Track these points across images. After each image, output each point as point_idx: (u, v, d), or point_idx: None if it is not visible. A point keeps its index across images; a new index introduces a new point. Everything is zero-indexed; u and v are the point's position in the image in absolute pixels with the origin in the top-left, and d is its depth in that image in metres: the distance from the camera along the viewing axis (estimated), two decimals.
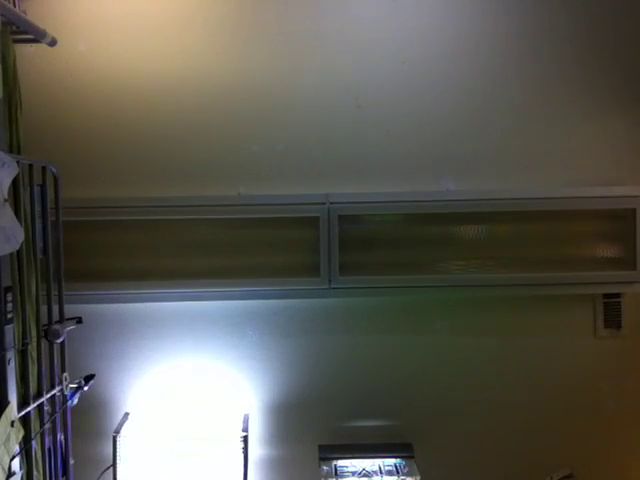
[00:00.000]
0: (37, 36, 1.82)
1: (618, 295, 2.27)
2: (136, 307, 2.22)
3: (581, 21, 2.25)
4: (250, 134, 2.22)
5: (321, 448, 2.19)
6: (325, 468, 2.10)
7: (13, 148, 1.67)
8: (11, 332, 1.56)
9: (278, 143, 2.23)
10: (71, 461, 1.88)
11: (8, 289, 1.55)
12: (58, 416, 1.82)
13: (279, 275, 2.15)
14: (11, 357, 1.56)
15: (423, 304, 2.27)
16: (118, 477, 2.01)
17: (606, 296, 2.28)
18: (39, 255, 1.74)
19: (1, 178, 1.48)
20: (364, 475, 2.08)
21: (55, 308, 1.85)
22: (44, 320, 1.79)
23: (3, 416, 1.49)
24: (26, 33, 1.78)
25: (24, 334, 1.63)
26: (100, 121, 2.20)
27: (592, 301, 2.28)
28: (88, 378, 1.91)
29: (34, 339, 1.70)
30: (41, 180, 1.79)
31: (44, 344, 1.77)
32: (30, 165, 1.71)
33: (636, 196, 2.17)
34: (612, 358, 2.30)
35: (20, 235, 1.55)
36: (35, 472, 1.67)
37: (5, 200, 1.50)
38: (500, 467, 2.30)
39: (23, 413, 1.61)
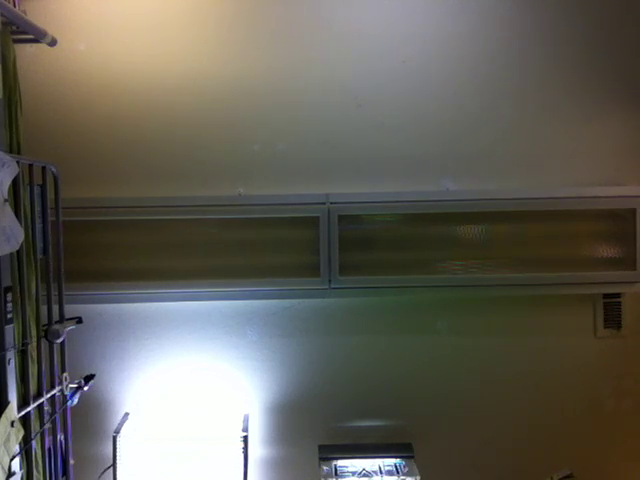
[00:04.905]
0: (37, 36, 1.82)
1: (618, 295, 2.28)
2: (136, 307, 2.22)
3: (581, 21, 2.25)
4: (250, 134, 2.22)
5: (321, 448, 2.19)
6: (325, 468, 2.10)
7: (13, 148, 1.67)
8: (11, 332, 1.56)
9: (278, 143, 2.23)
10: (71, 461, 1.88)
11: (8, 289, 1.55)
12: (58, 416, 1.82)
13: (279, 275, 2.15)
14: (11, 357, 1.56)
15: (423, 304, 2.27)
16: (118, 477, 2.01)
17: (606, 296, 2.28)
18: (39, 255, 1.75)
19: (1, 178, 1.48)
20: (364, 475, 2.08)
21: (55, 308, 1.85)
22: (44, 320, 1.79)
23: (3, 416, 1.49)
24: (26, 33, 1.78)
25: (24, 334, 1.63)
26: (100, 121, 2.20)
27: (592, 301, 2.28)
28: (88, 378, 1.91)
29: (34, 339, 1.70)
30: (41, 180, 1.79)
31: (44, 344, 1.77)
32: (30, 165, 1.71)
33: (636, 196, 2.17)
34: (612, 358, 2.30)
35: (20, 235, 1.55)
36: (35, 472, 1.67)
37: (5, 200, 1.50)
38: (500, 467, 2.30)
39: (23, 413, 1.61)
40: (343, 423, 2.28)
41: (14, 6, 1.74)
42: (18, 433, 1.55)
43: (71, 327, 1.88)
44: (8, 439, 1.50)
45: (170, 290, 2.14)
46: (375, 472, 2.09)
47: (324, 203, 2.15)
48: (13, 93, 1.68)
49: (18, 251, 1.60)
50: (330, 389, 2.27)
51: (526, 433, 2.30)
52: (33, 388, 1.67)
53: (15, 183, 1.59)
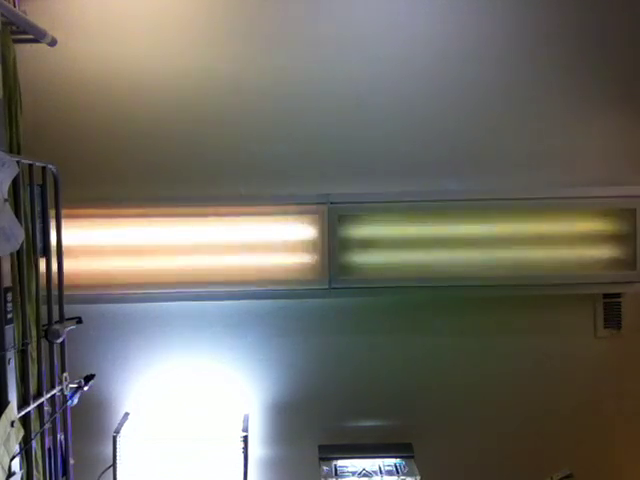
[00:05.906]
0: (37, 36, 1.82)
1: (618, 295, 2.27)
2: (136, 307, 2.22)
3: (579, 21, 2.25)
4: (250, 134, 2.22)
5: (321, 448, 2.19)
6: (325, 468, 2.10)
7: (13, 148, 1.67)
8: (11, 332, 1.56)
9: (278, 143, 2.23)
10: (71, 461, 1.88)
11: (8, 289, 1.55)
12: (58, 416, 1.82)
13: (279, 275, 2.15)
14: (11, 357, 1.56)
15: (423, 304, 2.27)
16: (118, 477, 2.01)
17: (606, 296, 2.27)
18: (39, 255, 1.74)
19: (1, 178, 1.48)
20: (364, 475, 2.08)
21: (55, 308, 1.85)
22: (44, 320, 1.79)
23: (3, 416, 1.49)
24: (26, 33, 1.78)
25: (24, 334, 1.63)
26: (100, 121, 2.20)
27: (592, 301, 2.28)
28: (88, 378, 1.91)
29: (34, 339, 1.70)
30: (41, 180, 1.79)
31: (44, 344, 1.77)
32: (30, 165, 1.71)
33: (636, 196, 2.17)
34: (612, 358, 2.30)
35: (20, 235, 1.55)
36: (35, 472, 1.67)
37: (5, 200, 1.50)
38: (500, 467, 2.30)
39: (23, 413, 1.61)
40: (343, 423, 2.28)
41: (14, 6, 1.74)
42: (18, 433, 1.55)
43: (71, 327, 1.88)
44: (8, 439, 1.50)
45: (170, 290, 2.14)
46: (375, 472, 2.09)
47: (324, 203, 2.15)
48: (13, 93, 1.68)
49: (18, 251, 1.60)
50: (330, 389, 2.27)
51: (526, 433, 2.30)
52: (33, 388, 1.67)
53: (15, 183, 1.59)
